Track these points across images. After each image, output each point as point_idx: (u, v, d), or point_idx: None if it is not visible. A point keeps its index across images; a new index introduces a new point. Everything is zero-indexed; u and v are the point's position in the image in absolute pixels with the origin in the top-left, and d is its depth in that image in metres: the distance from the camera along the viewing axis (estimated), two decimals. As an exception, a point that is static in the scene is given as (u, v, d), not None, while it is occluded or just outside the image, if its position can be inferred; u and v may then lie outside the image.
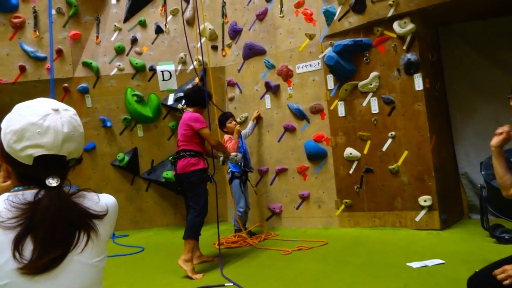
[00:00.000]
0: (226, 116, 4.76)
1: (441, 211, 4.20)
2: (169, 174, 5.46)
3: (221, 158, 4.24)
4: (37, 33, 5.51)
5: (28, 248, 0.90)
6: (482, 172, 3.81)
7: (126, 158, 5.64)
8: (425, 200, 4.20)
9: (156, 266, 3.84)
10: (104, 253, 1.04)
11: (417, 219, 4.26)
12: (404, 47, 4.33)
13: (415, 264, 3.14)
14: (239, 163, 4.52)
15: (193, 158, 3.66)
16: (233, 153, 4.25)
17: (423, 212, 4.24)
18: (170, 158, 5.62)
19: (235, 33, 5.59)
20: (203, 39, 5.78)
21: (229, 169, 4.73)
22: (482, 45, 4.76)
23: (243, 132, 4.99)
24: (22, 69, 5.42)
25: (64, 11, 5.65)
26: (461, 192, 4.85)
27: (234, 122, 4.71)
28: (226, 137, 4.64)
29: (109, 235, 1.08)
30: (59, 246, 0.92)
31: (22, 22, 5.46)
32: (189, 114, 3.80)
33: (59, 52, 5.53)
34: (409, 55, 4.29)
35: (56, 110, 1.00)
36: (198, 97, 3.89)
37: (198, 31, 4.80)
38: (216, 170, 4.04)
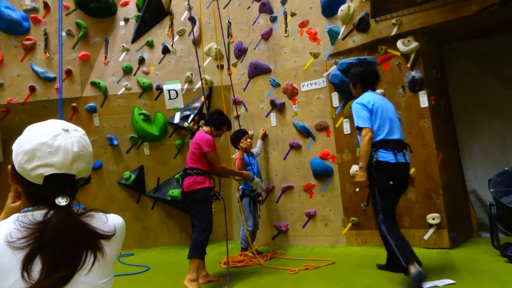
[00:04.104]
0: (240, 134, 4.76)
1: (450, 229, 4.14)
2: (175, 192, 5.46)
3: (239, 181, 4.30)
4: (47, 54, 5.64)
5: (37, 268, 0.90)
6: (491, 190, 3.77)
7: (133, 176, 5.66)
8: (433, 218, 4.14)
9: (162, 286, 3.79)
10: (110, 274, 1.04)
11: (426, 237, 4.20)
12: (409, 65, 4.37)
13: (425, 284, 3.06)
14: (260, 189, 4.48)
15: (199, 177, 3.68)
16: (257, 180, 4.25)
17: (431, 231, 4.17)
18: (176, 176, 5.64)
19: (241, 52, 5.68)
20: (209, 58, 5.88)
21: (240, 186, 4.71)
22: (486, 62, 4.78)
23: (254, 151, 5.00)
24: (32, 89, 5.54)
25: (74, 33, 5.80)
26: (470, 209, 4.78)
27: (249, 140, 4.74)
28: (237, 154, 4.67)
29: (116, 256, 1.07)
30: (66, 266, 0.93)
31: (33, 44, 5.61)
32: (202, 134, 3.86)
33: (68, 72, 5.65)
34: (413, 73, 4.32)
35: (66, 130, 1.03)
36: (214, 118, 3.98)
37: (226, 48, 4.86)
38: (221, 188, 4.04)
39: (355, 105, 3.33)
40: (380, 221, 3.17)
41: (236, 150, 4.86)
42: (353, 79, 3.51)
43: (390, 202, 3.20)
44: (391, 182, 3.13)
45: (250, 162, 4.66)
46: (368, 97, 3.35)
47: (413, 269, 2.88)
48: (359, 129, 3.25)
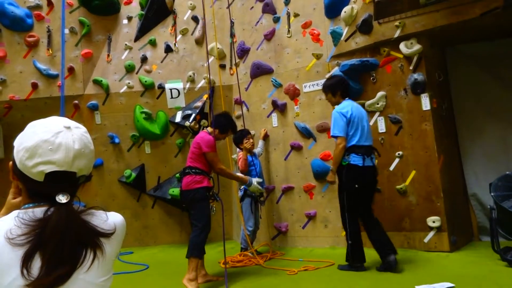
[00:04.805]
0: (243, 134, 4.74)
1: (450, 232, 4.13)
2: (175, 191, 5.46)
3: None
4: (50, 52, 5.65)
5: (36, 265, 0.90)
6: (492, 193, 3.76)
7: (133, 175, 5.66)
8: (433, 221, 4.13)
9: (161, 285, 3.80)
10: (110, 272, 1.04)
11: (426, 240, 4.19)
12: (411, 67, 4.36)
13: None
14: (258, 192, 4.44)
15: (197, 176, 3.68)
16: (255, 181, 4.20)
17: (431, 233, 4.17)
18: (177, 175, 5.64)
19: (243, 52, 5.68)
20: (211, 58, 5.88)
21: (242, 187, 4.70)
22: (489, 66, 4.77)
23: (256, 151, 4.99)
24: (34, 86, 5.54)
25: (77, 31, 5.81)
26: (471, 213, 4.77)
27: (251, 140, 4.72)
28: (240, 154, 4.65)
29: (116, 254, 1.07)
30: (66, 263, 0.93)
31: (36, 41, 5.62)
32: (203, 134, 3.87)
33: (71, 70, 5.65)
34: (415, 75, 4.31)
35: (68, 128, 1.03)
36: (221, 121, 3.96)
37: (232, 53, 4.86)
38: (222, 188, 4.04)
39: (335, 114, 3.79)
40: (346, 220, 3.74)
41: (238, 150, 4.86)
42: (333, 88, 3.94)
43: (355, 203, 3.73)
44: (356, 186, 3.66)
45: (253, 163, 4.66)
46: (347, 106, 3.80)
47: (360, 265, 3.73)
48: (335, 137, 3.76)
